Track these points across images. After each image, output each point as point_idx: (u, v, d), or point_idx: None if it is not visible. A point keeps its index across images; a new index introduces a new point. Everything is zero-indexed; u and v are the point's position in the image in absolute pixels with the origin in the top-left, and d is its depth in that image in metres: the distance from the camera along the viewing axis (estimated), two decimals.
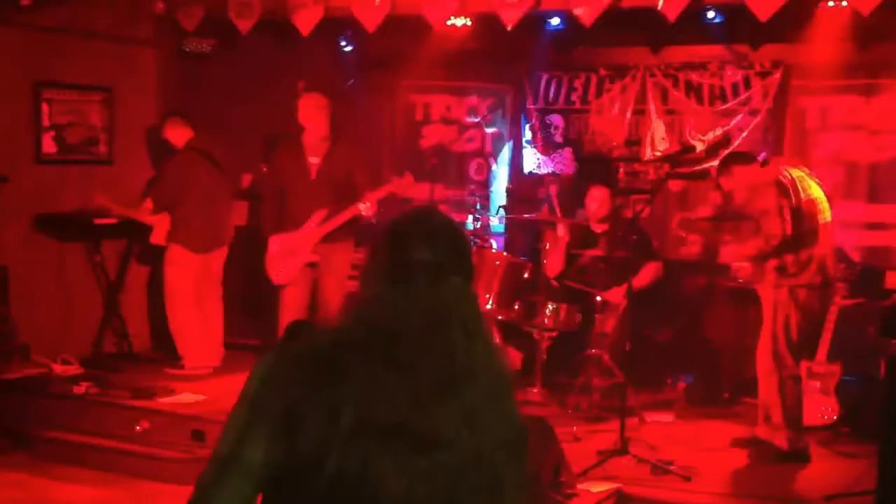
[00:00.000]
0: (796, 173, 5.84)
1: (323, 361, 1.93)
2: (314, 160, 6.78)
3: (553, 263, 7.32)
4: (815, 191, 5.86)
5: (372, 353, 1.92)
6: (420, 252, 2.01)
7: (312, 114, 6.76)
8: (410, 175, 6.82)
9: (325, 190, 6.69)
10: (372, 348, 1.93)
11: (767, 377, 5.86)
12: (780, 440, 5.81)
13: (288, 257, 6.74)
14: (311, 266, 6.78)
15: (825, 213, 5.88)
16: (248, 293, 7.94)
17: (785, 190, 5.70)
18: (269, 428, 1.89)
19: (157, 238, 7.37)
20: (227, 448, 1.92)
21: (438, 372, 1.93)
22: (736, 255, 6.14)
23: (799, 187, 5.75)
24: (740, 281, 6.61)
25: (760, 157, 6.20)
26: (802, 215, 5.74)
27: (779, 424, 5.81)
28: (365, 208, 6.59)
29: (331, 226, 6.66)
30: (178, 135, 7.37)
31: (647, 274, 7.22)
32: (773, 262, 5.79)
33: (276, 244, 6.79)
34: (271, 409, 1.90)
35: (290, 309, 6.75)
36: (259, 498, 1.94)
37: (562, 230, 7.36)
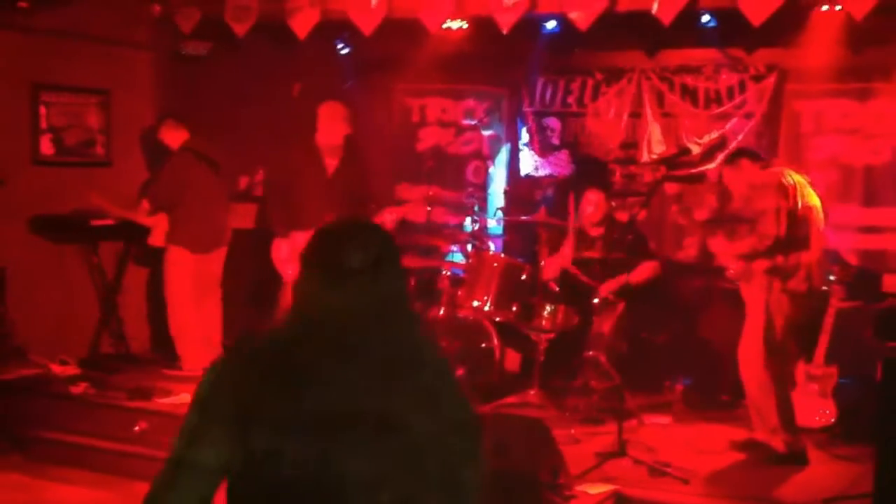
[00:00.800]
0: (798, 178, 5.87)
1: (272, 359, 2.00)
2: (331, 161, 6.85)
3: (551, 267, 7.34)
4: (814, 199, 5.89)
5: (320, 347, 2.01)
6: (353, 255, 2.08)
7: (330, 122, 6.84)
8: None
9: (339, 192, 6.74)
10: (319, 342, 2.01)
11: (755, 380, 5.86)
12: (778, 443, 5.83)
13: (295, 261, 6.75)
14: None
15: (820, 222, 5.91)
16: (250, 295, 7.95)
17: (785, 193, 5.73)
18: (221, 429, 1.95)
19: (156, 239, 7.38)
20: (179, 451, 1.98)
21: (388, 358, 2.02)
22: (724, 248, 6.14)
23: (798, 193, 5.78)
24: (731, 279, 6.61)
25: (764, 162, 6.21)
26: (798, 220, 5.76)
27: (775, 427, 5.83)
28: (389, 219, 6.67)
29: None
30: (174, 136, 7.39)
31: (645, 270, 7.23)
32: (763, 265, 5.81)
33: (282, 249, 6.82)
34: (222, 411, 1.96)
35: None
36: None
37: (567, 246, 7.36)
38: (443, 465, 2.02)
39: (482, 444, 2.14)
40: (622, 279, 6.55)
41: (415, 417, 1.99)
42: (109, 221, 7.52)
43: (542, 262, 7.10)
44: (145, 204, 7.36)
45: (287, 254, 6.81)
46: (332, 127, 6.84)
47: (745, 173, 5.95)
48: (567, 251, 7.34)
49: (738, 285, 6.16)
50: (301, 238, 6.73)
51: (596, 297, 6.85)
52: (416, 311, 2.24)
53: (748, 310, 5.94)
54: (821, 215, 5.92)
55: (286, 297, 6.85)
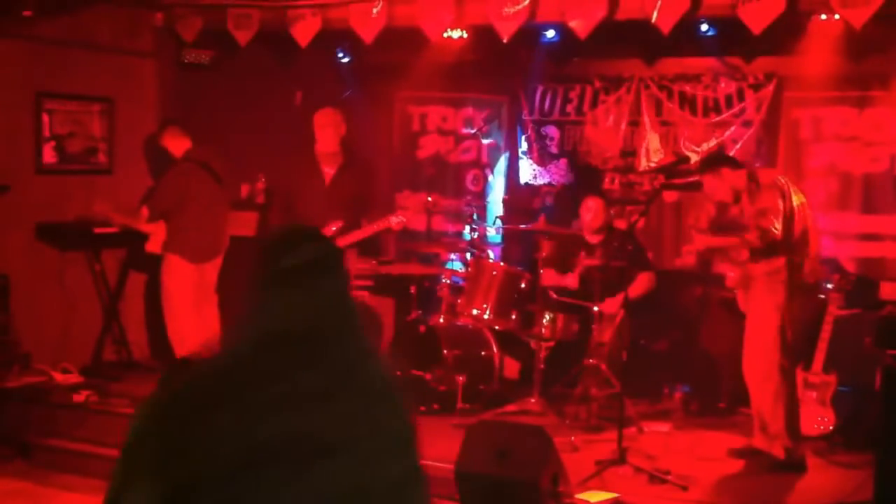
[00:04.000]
0: (785, 180, 5.95)
1: (199, 392, 1.92)
2: (329, 170, 6.87)
3: (551, 275, 7.38)
4: (801, 197, 5.93)
5: (248, 374, 1.92)
6: (289, 260, 2.04)
7: (324, 129, 6.86)
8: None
9: (337, 199, 6.78)
10: (247, 368, 1.93)
11: (762, 385, 5.87)
12: (778, 450, 5.85)
13: None
14: None
15: (809, 219, 5.94)
16: None
17: (782, 192, 5.77)
18: (151, 470, 1.85)
19: (153, 246, 7.39)
20: (111, 494, 1.90)
21: (319, 378, 1.93)
22: (707, 243, 6.15)
23: (791, 192, 5.83)
24: (730, 288, 6.63)
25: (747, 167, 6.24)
26: (794, 219, 5.81)
27: (777, 433, 5.83)
28: (397, 222, 6.69)
29: (359, 236, 6.77)
30: (176, 144, 7.40)
31: (640, 284, 7.28)
32: (763, 268, 5.84)
33: None
34: (151, 452, 1.87)
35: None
36: None
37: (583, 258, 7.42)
38: (380, 487, 1.94)
39: (419, 459, 2.08)
40: (621, 297, 6.58)
41: (347, 439, 1.90)
42: (112, 229, 7.54)
43: (542, 272, 7.12)
44: (145, 211, 7.38)
45: None
46: (327, 134, 6.86)
47: (726, 181, 5.96)
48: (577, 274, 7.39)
49: (736, 294, 6.18)
50: None
51: (596, 308, 6.88)
52: (357, 315, 2.11)
53: (752, 317, 5.94)
54: (809, 212, 5.95)
55: None
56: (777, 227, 5.72)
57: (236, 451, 1.82)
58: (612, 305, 6.94)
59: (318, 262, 2.07)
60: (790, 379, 5.88)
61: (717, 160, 6.29)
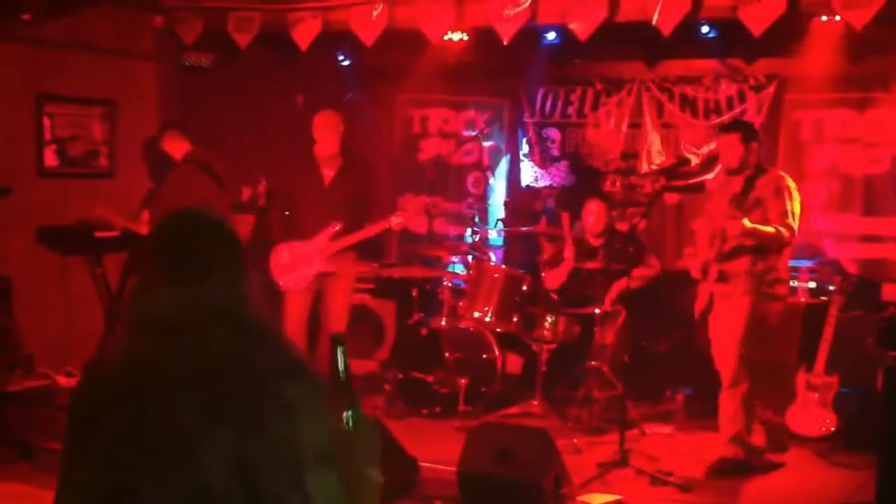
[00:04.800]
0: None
1: (103, 385, 1.92)
2: (328, 172, 6.87)
3: (553, 278, 7.37)
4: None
5: (143, 362, 1.89)
6: (180, 252, 1.98)
7: (323, 131, 6.85)
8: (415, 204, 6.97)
9: (336, 201, 6.77)
10: (143, 356, 1.90)
11: (736, 386, 5.84)
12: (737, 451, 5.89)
13: (301, 266, 6.80)
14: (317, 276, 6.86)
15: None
16: None
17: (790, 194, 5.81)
18: (81, 469, 1.89)
19: None
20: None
21: (205, 369, 1.86)
22: (750, 228, 6.09)
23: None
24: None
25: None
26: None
27: (739, 433, 5.87)
28: (396, 222, 6.69)
29: (357, 238, 6.77)
30: (176, 147, 7.41)
31: (646, 270, 7.24)
32: (743, 266, 5.82)
33: (287, 252, 6.85)
34: (77, 448, 1.93)
35: (294, 317, 6.82)
36: None
37: (568, 252, 7.39)
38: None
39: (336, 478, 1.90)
40: (623, 283, 6.54)
41: (223, 436, 1.81)
42: (113, 233, 7.54)
43: (544, 274, 7.12)
44: (146, 215, 7.38)
45: (283, 262, 6.85)
46: (326, 136, 6.85)
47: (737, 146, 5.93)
48: (567, 261, 7.36)
49: (712, 286, 6.07)
50: (297, 249, 6.80)
51: (598, 308, 6.88)
52: (251, 308, 2.00)
53: (729, 318, 5.89)
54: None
55: (287, 308, 6.88)
56: (790, 210, 5.74)
57: (128, 446, 1.83)
58: (611, 294, 6.94)
59: (213, 255, 1.99)
60: (752, 373, 5.88)
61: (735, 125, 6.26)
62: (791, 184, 5.89)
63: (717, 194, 6.13)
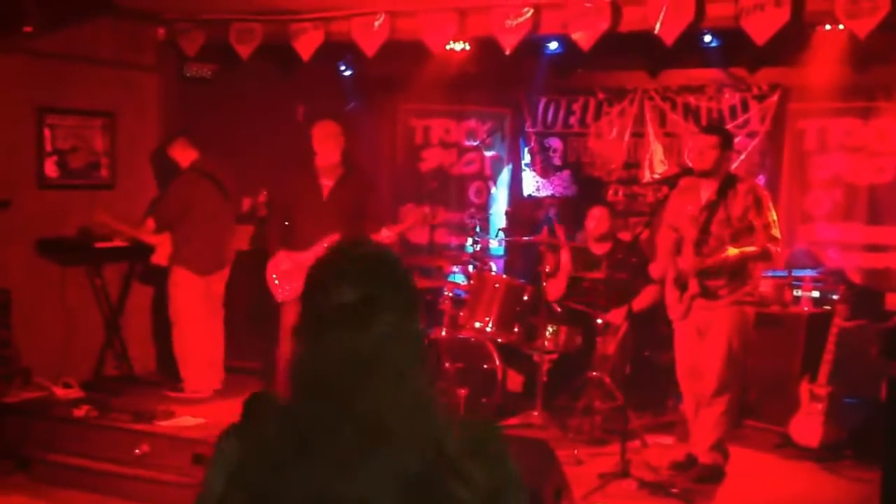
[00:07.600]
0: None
1: (268, 439, 1.78)
2: (327, 182, 6.85)
3: (554, 288, 7.33)
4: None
5: (298, 426, 1.74)
6: (340, 293, 1.78)
7: (324, 141, 6.83)
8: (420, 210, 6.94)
9: (335, 212, 6.74)
10: (297, 421, 1.74)
11: (721, 395, 5.79)
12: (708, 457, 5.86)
13: (298, 276, 6.76)
14: None
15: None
16: (250, 316, 7.95)
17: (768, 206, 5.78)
18: None
19: (159, 258, 7.39)
20: None
21: (359, 433, 1.69)
22: (738, 253, 6.05)
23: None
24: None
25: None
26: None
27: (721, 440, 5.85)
28: (387, 236, 6.66)
29: None
30: (184, 155, 7.40)
31: (647, 297, 7.22)
32: (721, 281, 5.76)
33: (284, 262, 6.83)
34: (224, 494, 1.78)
35: (291, 329, 6.76)
36: None
37: (564, 257, 7.36)
38: None
39: None
40: (625, 309, 6.51)
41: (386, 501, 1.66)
42: (113, 243, 7.53)
43: (545, 284, 7.09)
44: (150, 222, 7.37)
45: (280, 272, 6.82)
46: (325, 146, 6.83)
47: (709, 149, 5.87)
48: (564, 269, 7.33)
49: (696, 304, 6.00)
50: (297, 258, 6.78)
51: (600, 319, 6.84)
52: (419, 350, 1.82)
53: (713, 333, 5.80)
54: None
55: (285, 318, 6.85)
56: (772, 220, 5.71)
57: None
58: (617, 316, 6.90)
59: (380, 294, 1.78)
60: (736, 396, 5.87)
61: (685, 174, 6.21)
62: (765, 192, 5.86)
63: (682, 199, 5.96)
